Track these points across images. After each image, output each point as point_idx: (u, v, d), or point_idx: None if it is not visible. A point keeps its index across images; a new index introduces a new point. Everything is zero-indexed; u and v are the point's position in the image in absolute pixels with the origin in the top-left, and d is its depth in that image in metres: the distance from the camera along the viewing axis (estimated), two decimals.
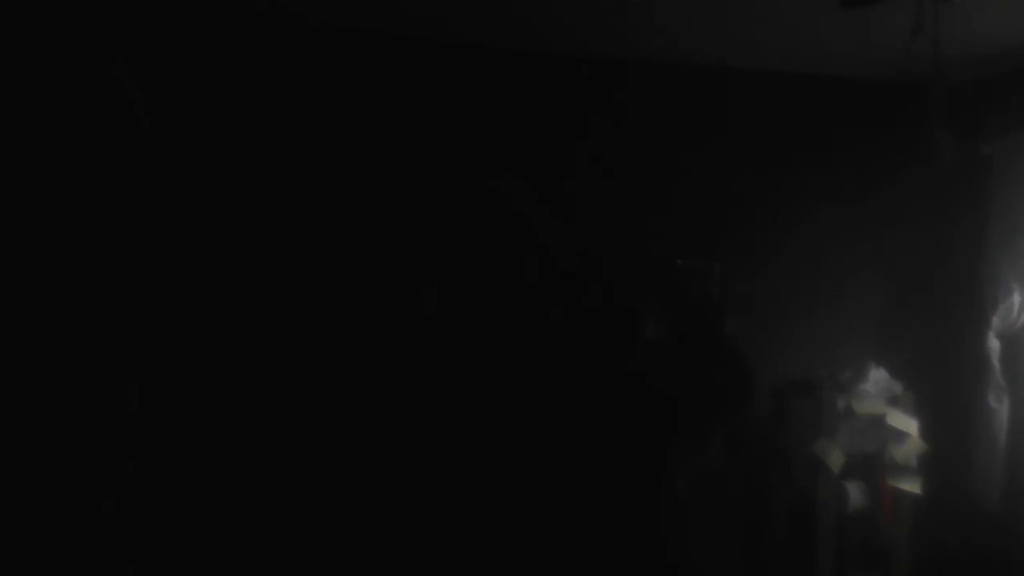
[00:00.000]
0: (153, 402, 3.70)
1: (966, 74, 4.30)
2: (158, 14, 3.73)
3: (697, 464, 3.91)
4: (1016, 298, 4.16)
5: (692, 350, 4.00)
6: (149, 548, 3.61)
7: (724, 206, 4.39)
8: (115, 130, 3.58)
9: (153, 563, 3.61)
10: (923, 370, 4.35)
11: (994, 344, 4.22)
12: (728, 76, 4.41)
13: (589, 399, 4.04)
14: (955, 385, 4.34)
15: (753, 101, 4.45)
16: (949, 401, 4.33)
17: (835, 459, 3.93)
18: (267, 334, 3.89)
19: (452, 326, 4.06)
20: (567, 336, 4.15)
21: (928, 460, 4.06)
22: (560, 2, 3.61)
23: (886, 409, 4.02)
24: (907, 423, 4.01)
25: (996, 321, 4.21)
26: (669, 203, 4.31)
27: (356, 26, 3.97)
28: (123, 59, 3.60)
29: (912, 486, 4.00)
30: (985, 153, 4.33)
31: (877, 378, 4.09)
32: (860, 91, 4.50)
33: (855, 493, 3.99)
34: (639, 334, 4.02)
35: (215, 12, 3.79)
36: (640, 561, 3.87)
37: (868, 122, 4.51)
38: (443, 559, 3.92)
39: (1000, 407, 4.17)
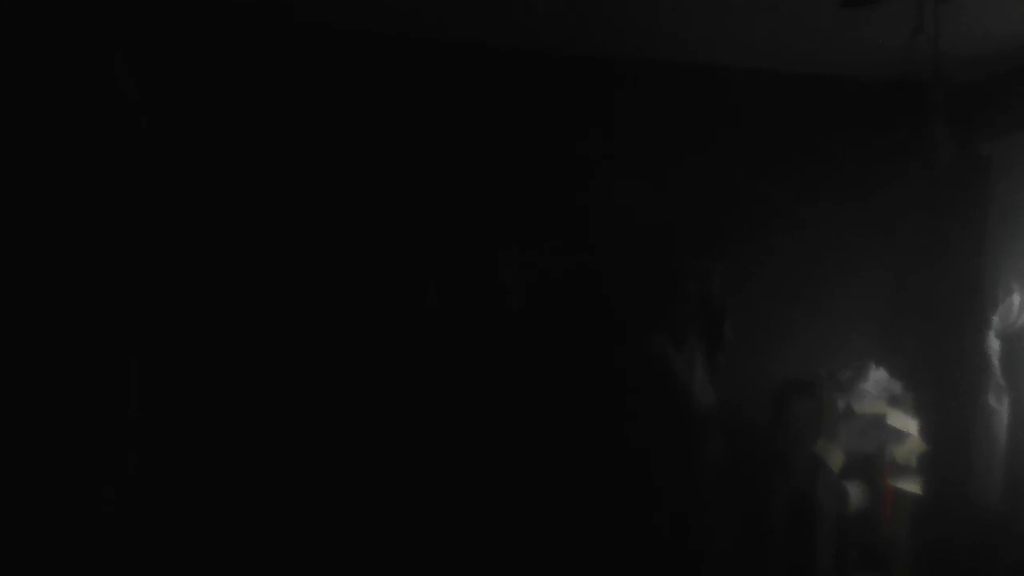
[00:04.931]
0: (153, 398, 3.70)
1: (966, 74, 4.30)
2: (159, 13, 3.73)
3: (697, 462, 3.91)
4: (1016, 298, 4.16)
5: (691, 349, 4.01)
6: (149, 547, 3.61)
7: (724, 206, 4.39)
8: (112, 127, 3.58)
9: (153, 562, 3.61)
10: (923, 370, 4.36)
11: (994, 344, 4.22)
12: (728, 76, 4.41)
13: (589, 398, 4.05)
14: (955, 385, 4.34)
15: (753, 101, 4.44)
16: (949, 401, 4.33)
17: (835, 459, 3.93)
18: (267, 329, 3.89)
19: (453, 321, 4.06)
20: (565, 335, 4.15)
21: (928, 460, 4.06)
22: (560, 2, 3.61)
23: (886, 409, 4.02)
24: (907, 423, 4.01)
25: (996, 321, 4.21)
26: (669, 203, 4.31)
27: (356, 27, 3.97)
28: (122, 57, 3.60)
29: (912, 486, 4.00)
30: (985, 153, 4.33)
31: (877, 378, 4.09)
32: (860, 91, 4.50)
33: (855, 493, 3.99)
34: (638, 333, 4.02)
35: (214, 11, 3.79)
36: (640, 561, 3.87)
37: (868, 122, 4.51)
38: (443, 552, 3.92)
39: (1000, 407, 4.17)
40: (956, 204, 4.53)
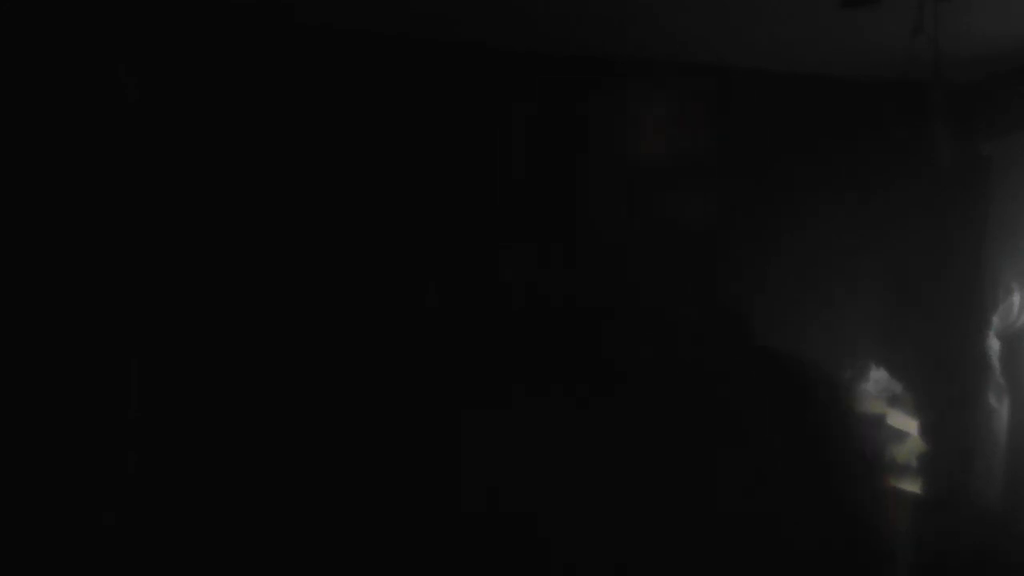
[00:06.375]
0: (153, 399, 3.70)
1: (966, 74, 4.30)
2: (159, 13, 3.73)
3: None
4: (1016, 298, 4.16)
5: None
6: (149, 548, 3.61)
7: (723, 206, 4.37)
8: (113, 127, 3.59)
9: (153, 563, 3.61)
10: (923, 370, 4.35)
11: (994, 344, 4.22)
12: (728, 76, 4.40)
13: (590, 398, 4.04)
14: (955, 385, 4.34)
15: (753, 101, 4.44)
16: (949, 401, 4.33)
17: None
18: (268, 329, 3.89)
19: (454, 320, 4.06)
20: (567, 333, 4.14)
21: (928, 460, 4.06)
22: (560, 2, 3.61)
23: (886, 409, 4.02)
24: (907, 423, 4.01)
25: (996, 321, 4.21)
26: (668, 203, 4.30)
27: (356, 27, 3.97)
28: (122, 57, 3.60)
29: (912, 486, 4.00)
30: (985, 153, 4.33)
31: (877, 378, 4.09)
32: (860, 91, 4.50)
33: None
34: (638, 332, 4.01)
35: (214, 11, 3.79)
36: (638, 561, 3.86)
37: (868, 122, 4.51)
38: (442, 554, 3.92)
39: (1000, 407, 4.17)
40: (956, 204, 4.52)
